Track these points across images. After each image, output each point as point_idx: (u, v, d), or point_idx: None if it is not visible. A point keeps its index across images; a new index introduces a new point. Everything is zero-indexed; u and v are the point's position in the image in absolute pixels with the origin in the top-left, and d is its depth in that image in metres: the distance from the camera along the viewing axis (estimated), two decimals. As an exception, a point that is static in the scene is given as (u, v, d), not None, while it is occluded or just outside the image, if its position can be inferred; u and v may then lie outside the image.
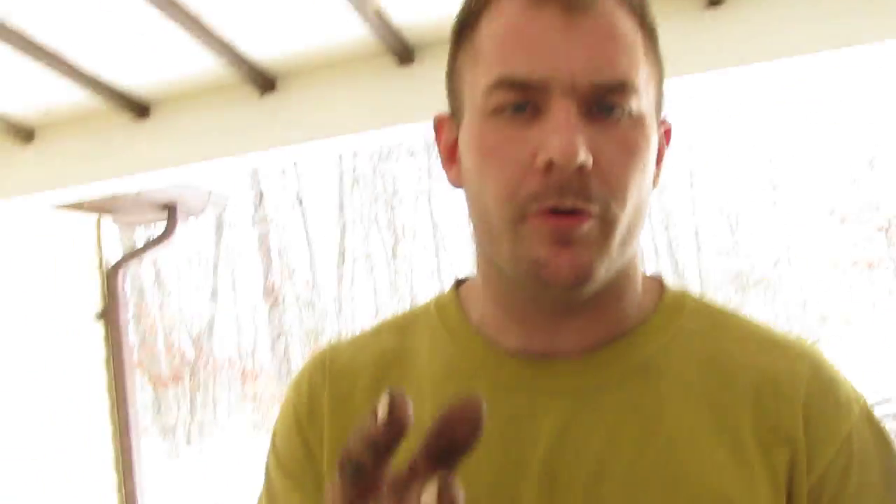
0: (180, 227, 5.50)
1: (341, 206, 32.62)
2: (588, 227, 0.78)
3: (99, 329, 5.35)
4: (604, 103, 0.79)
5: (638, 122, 0.81)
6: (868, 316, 29.44)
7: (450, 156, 0.89)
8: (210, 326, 28.91)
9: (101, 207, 5.23)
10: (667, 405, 0.84)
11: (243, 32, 3.24)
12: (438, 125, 0.92)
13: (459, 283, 0.96)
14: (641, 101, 0.81)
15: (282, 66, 3.49)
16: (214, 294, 29.98)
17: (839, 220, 29.52)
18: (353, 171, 32.83)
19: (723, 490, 0.80)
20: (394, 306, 31.88)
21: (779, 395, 0.84)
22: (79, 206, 5.05)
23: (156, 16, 3.01)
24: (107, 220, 5.53)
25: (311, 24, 3.21)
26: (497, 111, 0.80)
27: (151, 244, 5.63)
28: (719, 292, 32.05)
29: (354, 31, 3.25)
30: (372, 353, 0.94)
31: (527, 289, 0.84)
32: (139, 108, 3.70)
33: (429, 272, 33.91)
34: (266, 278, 26.68)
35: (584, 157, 0.76)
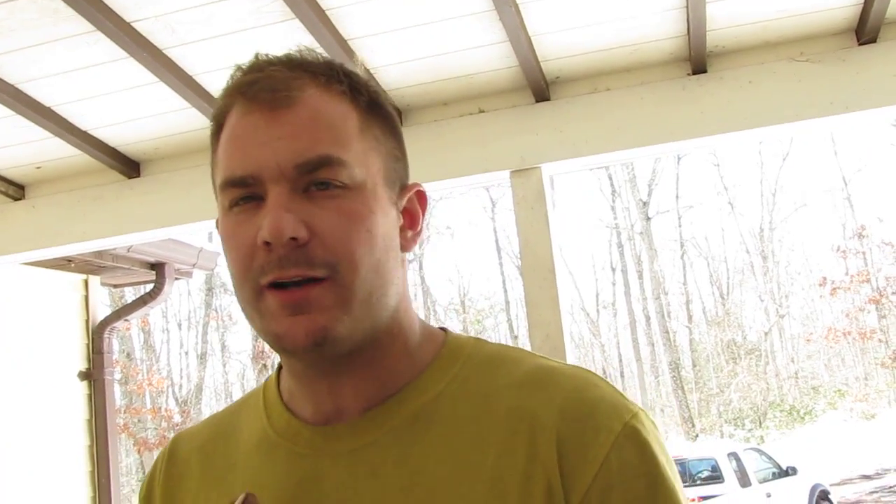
0: (168, 287, 5.48)
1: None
2: (318, 293, 0.88)
3: (83, 389, 5.29)
4: (317, 180, 0.90)
5: (356, 191, 0.91)
6: (861, 387, 29.35)
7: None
8: (199, 389, 28.69)
9: (89, 267, 5.21)
10: (434, 453, 0.92)
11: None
12: (218, 227, 1.02)
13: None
14: (355, 173, 0.91)
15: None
16: (203, 357, 29.84)
17: (830, 291, 29.62)
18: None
19: None
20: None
21: (535, 429, 0.90)
22: (67, 266, 5.04)
23: (147, 75, 3.04)
24: (95, 279, 5.51)
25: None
26: (231, 206, 0.93)
27: (139, 303, 5.60)
28: (711, 362, 32.00)
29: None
30: (205, 435, 1.08)
31: (288, 359, 0.96)
32: (130, 166, 3.71)
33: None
34: (256, 340, 26.55)
35: (291, 231, 0.87)
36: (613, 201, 32.51)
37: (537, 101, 3.32)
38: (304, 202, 0.90)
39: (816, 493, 12.94)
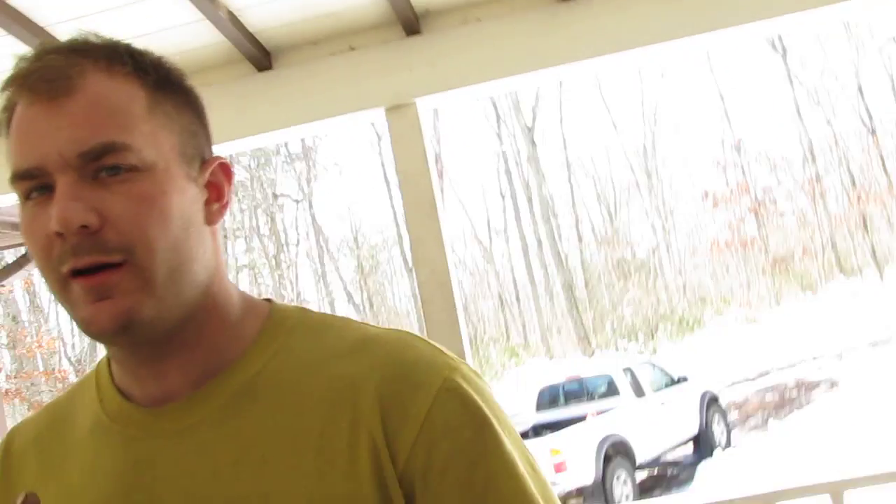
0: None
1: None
2: (117, 278, 0.89)
3: (-38, 360, 5.09)
4: (104, 166, 0.90)
5: (147, 174, 0.91)
6: (744, 294, 30.61)
7: None
8: (92, 347, 27.99)
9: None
10: (262, 425, 0.93)
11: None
12: None
13: None
14: (144, 154, 0.91)
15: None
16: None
17: (712, 204, 30.61)
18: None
19: (308, 493, 0.90)
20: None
21: (357, 393, 0.92)
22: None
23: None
24: (-36, 245, 5.27)
25: (161, 31, 3.12)
26: (25, 198, 0.93)
27: (15, 266, 5.39)
28: (602, 280, 32.83)
29: (208, 37, 3.17)
30: (41, 425, 1.08)
31: (102, 343, 0.96)
32: None
33: (313, 278, 33.63)
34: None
35: (81, 220, 0.88)
36: (499, 128, 32.70)
37: (408, 36, 3.26)
38: (94, 189, 0.90)
39: (707, 398, 13.53)
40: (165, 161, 0.94)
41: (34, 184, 0.92)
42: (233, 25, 3.07)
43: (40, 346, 23.92)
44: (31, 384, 22.71)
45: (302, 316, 1.03)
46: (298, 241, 33.54)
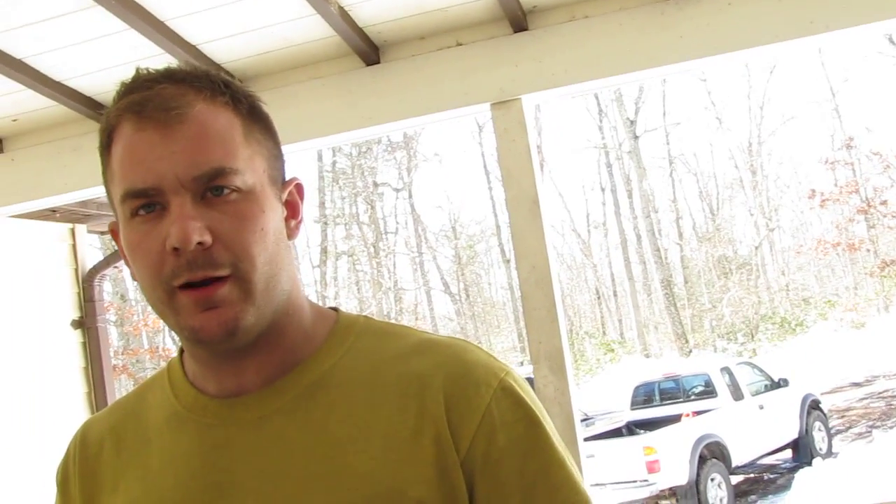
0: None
1: (322, 203, 32.56)
2: (226, 290, 1.00)
3: (77, 337, 5.32)
4: (213, 188, 1.00)
5: (248, 195, 1.02)
6: (851, 297, 29.62)
7: (125, 256, 1.08)
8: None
9: (74, 216, 5.19)
10: (333, 415, 1.04)
11: (210, 35, 3.22)
12: (113, 233, 1.11)
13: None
14: (246, 178, 1.02)
15: (249, 68, 3.47)
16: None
17: (819, 203, 29.68)
18: (334, 167, 32.77)
19: (376, 475, 1.00)
20: (377, 302, 31.82)
21: (424, 388, 1.04)
22: (52, 216, 5.01)
23: (117, 22, 2.99)
24: (81, 228, 5.49)
25: (273, 25, 3.20)
26: (133, 215, 1.02)
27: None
28: (702, 278, 32.21)
29: (319, 32, 3.24)
30: (114, 418, 1.18)
31: (201, 349, 1.06)
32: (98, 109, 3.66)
33: (410, 266, 33.87)
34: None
35: (198, 237, 0.98)
36: (601, 121, 32.36)
37: (515, 32, 3.28)
38: (203, 209, 1.00)
39: (808, 403, 13.14)
40: (261, 183, 1.05)
41: (143, 202, 1.01)
42: (343, 20, 3.13)
43: (146, 324, 24.71)
44: (137, 361, 23.52)
45: (367, 322, 1.14)
46: (397, 229, 33.87)
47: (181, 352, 1.16)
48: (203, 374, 1.10)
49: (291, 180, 1.13)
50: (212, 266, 0.99)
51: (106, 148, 1.05)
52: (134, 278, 1.08)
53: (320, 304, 1.17)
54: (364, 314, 1.17)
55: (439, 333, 1.14)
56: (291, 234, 1.10)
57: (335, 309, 1.16)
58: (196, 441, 1.07)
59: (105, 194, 1.10)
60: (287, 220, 1.10)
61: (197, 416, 1.08)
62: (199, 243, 0.98)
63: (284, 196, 1.10)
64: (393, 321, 1.18)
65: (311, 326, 1.11)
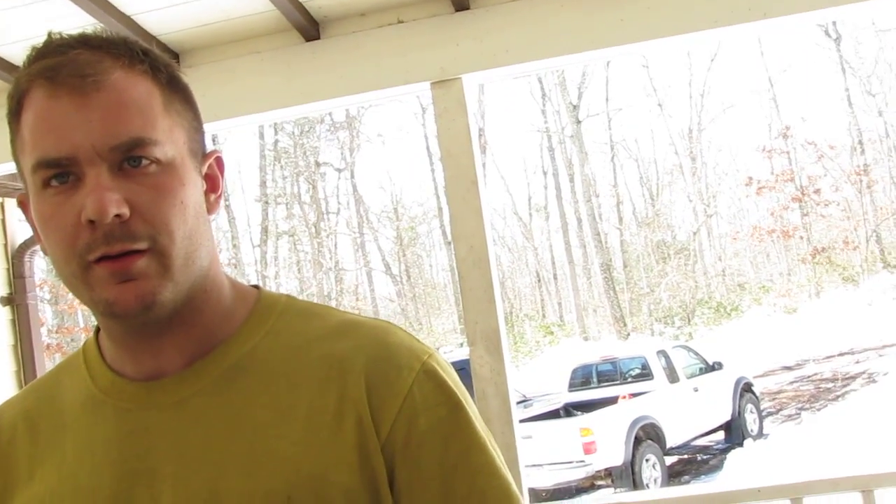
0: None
1: (263, 182, 32.23)
2: (143, 263, 0.96)
3: (6, 314, 5.19)
4: (131, 159, 0.96)
5: (167, 167, 0.99)
6: (784, 283, 30.25)
7: (35, 229, 1.04)
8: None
9: (3, 189, 5.06)
10: (254, 398, 1.01)
11: (146, 6, 3.15)
12: (23, 204, 1.06)
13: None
14: (166, 149, 0.99)
15: (186, 41, 3.40)
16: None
17: (755, 190, 30.22)
18: (276, 145, 32.43)
19: (297, 459, 0.98)
20: (318, 282, 31.66)
21: (345, 371, 1.02)
22: (-20, 188, 4.88)
23: None
24: (11, 202, 5.35)
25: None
26: (45, 186, 0.97)
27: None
28: (641, 262, 32.63)
29: (258, 5, 3.18)
30: (28, 402, 1.13)
31: (115, 323, 1.02)
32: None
33: (352, 247, 33.76)
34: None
35: (115, 209, 0.94)
36: (544, 105, 32.48)
37: (457, 11, 3.25)
38: (121, 180, 0.96)
39: (741, 386, 13.43)
40: (181, 155, 1.01)
41: (56, 172, 0.96)
42: (282, -6, 3.07)
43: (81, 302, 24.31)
44: (72, 339, 23.11)
45: (289, 301, 1.11)
46: (339, 210, 33.68)
47: (97, 332, 1.11)
48: (120, 355, 1.06)
49: (211, 153, 1.09)
50: (130, 239, 0.95)
51: (15, 115, 1.00)
52: (45, 252, 1.03)
53: (261, 284, 1.14)
54: (287, 293, 1.14)
55: (363, 314, 1.12)
56: (211, 208, 1.07)
57: (257, 287, 1.13)
58: (113, 426, 1.03)
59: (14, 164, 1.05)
60: (207, 193, 1.07)
61: (114, 400, 1.05)
62: (117, 216, 0.94)
63: (204, 169, 1.07)
64: (319, 302, 1.15)
65: (231, 305, 1.08)
